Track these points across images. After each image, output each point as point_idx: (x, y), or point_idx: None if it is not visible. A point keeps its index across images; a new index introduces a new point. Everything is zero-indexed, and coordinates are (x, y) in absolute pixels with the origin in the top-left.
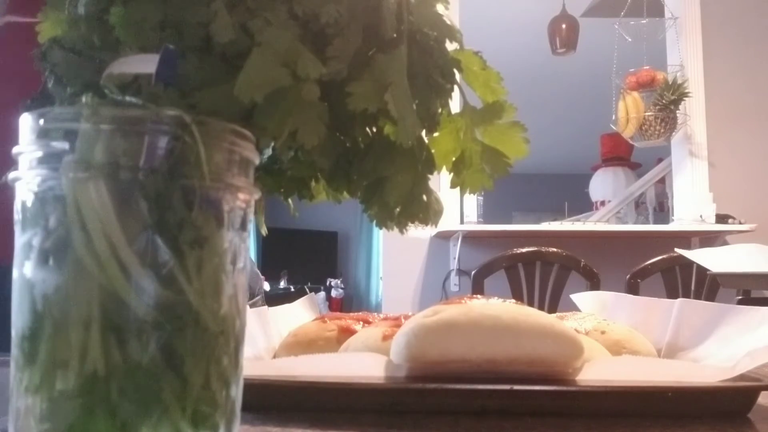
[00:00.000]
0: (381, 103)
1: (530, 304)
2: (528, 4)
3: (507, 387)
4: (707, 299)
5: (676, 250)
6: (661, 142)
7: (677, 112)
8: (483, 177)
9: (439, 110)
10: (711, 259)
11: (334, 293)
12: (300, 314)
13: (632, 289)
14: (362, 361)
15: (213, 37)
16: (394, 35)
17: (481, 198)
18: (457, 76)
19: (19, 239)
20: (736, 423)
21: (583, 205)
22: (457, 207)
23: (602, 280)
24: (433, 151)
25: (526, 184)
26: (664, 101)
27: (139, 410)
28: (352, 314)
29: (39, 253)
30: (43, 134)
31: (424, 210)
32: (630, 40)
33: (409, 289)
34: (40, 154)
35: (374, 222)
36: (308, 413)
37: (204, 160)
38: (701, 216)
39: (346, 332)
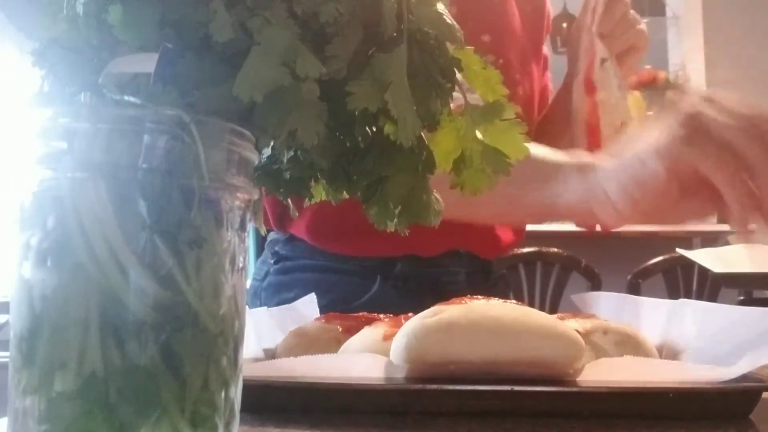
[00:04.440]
0: (381, 102)
1: (531, 304)
2: None
3: (508, 388)
4: (709, 300)
5: (677, 250)
6: None
7: None
8: (483, 177)
9: (439, 110)
10: (713, 260)
11: None
12: (300, 314)
13: (634, 289)
14: (362, 361)
15: (212, 36)
16: (394, 34)
17: None
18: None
19: (18, 240)
20: (737, 424)
21: None
22: None
23: (603, 280)
24: (433, 150)
25: None
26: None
27: (137, 411)
28: (352, 314)
29: (37, 253)
30: (41, 134)
31: (424, 210)
32: None
33: None
34: (38, 153)
35: (374, 222)
36: (308, 414)
37: (203, 159)
38: None
39: (347, 332)
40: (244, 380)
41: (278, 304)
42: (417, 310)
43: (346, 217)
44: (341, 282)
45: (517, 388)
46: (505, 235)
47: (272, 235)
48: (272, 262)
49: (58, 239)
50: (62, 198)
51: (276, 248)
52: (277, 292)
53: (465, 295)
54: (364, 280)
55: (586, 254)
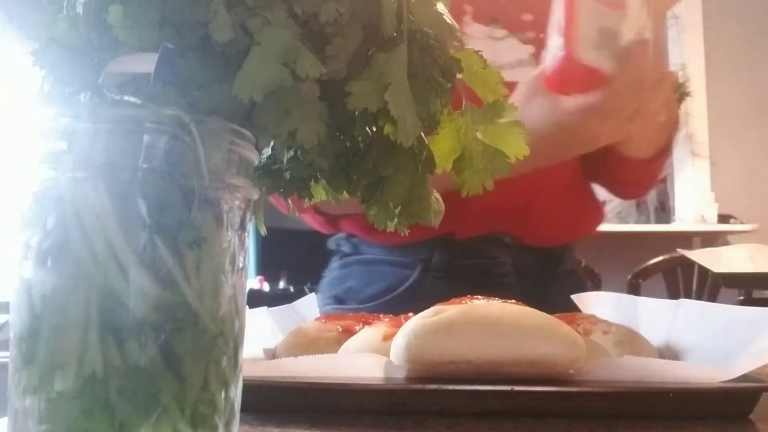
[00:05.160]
0: (381, 102)
1: None
2: None
3: (508, 388)
4: (709, 300)
5: (677, 250)
6: None
7: (679, 111)
8: (483, 177)
9: (439, 110)
10: (713, 260)
11: None
12: (300, 314)
13: (634, 289)
14: (362, 361)
15: (212, 36)
16: (394, 34)
17: None
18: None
19: (18, 239)
20: (737, 424)
21: None
22: None
23: (603, 280)
24: (433, 150)
25: None
26: None
27: (137, 411)
28: (352, 314)
29: (37, 253)
30: (41, 134)
31: (424, 210)
32: None
33: None
34: (39, 153)
35: (374, 222)
36: (308, 414)
37: (203, 159)
38: (703, 216)
39: (347, 333)
40: (244, 380)
41: (331, 297)
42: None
43: None
44: (388, 272)
45: (517, 388)
46: (565, 222)
47: (337, 236)
48: (337, 258)
49: (58, 239)
50: (62, 198)
51: (338, 246)
52: (333, 286)
53: (514, 287)
54: (407, 270)
55: (586, 254)
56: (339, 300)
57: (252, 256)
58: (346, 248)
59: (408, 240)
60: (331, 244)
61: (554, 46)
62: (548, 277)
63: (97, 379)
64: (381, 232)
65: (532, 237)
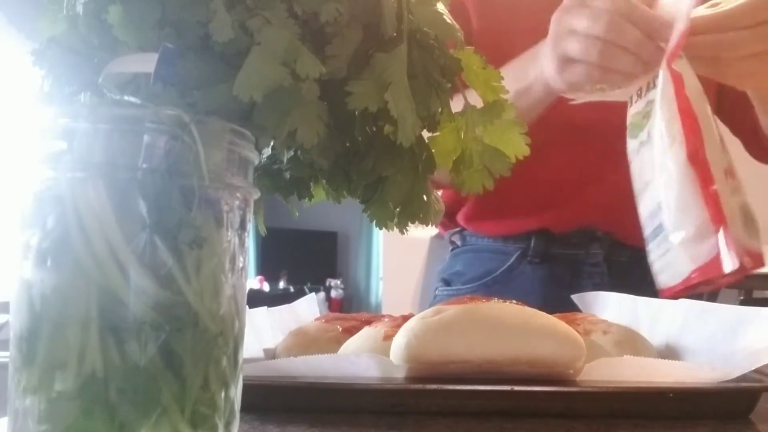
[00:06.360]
0: (381, 102)
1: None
2: None
3: (508, 388)
4: (709, 300)
5: None
6: None
7: None
8: (483, 176)
9: (439, 109)
10: None
11: (333, 294)
12: (300, 314)
13: None
14: (362, 361)
15: (212, 36)
16: (394, 34)
17: None
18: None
19: (18, 239)
20: (737, 424)
21: None
22: None
23: None
24: (433, 150)
25: None
26: None
27: (137, 411)
28: (353, 315)
29: (37, 253)
30: (41, 134)
31: (424, 210)
32: None
33: (409, 289)
34: (39, 153)
35: (374, 222)
36: (308, 414)
37: (203, 159)
38: None
39: (347, 333)
40: (244, 380)
41: (441, 280)
42: (550, 287)
43: (492, 203)
44: (490, 258)
45: (517, 388)
46: None
47: (452, 231)
48: (450, 250)
49: (58, 239)
50: (62, 198)
51: (452, 239)
52: (443, 271)
53: (605, 279)
54: (506, 256)
55: None
56: (446, 282)
57: (252, 256)
58: (458, 241)
59: (508, 232)
60: (447, 238)
61: (699, 235)
62: (643, 275)
63: (97, 379)
64: (484, 223)
65: (625, 234)
